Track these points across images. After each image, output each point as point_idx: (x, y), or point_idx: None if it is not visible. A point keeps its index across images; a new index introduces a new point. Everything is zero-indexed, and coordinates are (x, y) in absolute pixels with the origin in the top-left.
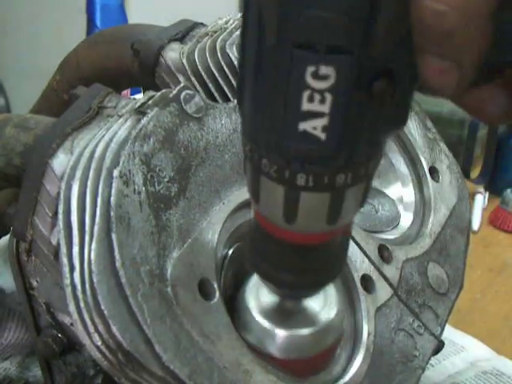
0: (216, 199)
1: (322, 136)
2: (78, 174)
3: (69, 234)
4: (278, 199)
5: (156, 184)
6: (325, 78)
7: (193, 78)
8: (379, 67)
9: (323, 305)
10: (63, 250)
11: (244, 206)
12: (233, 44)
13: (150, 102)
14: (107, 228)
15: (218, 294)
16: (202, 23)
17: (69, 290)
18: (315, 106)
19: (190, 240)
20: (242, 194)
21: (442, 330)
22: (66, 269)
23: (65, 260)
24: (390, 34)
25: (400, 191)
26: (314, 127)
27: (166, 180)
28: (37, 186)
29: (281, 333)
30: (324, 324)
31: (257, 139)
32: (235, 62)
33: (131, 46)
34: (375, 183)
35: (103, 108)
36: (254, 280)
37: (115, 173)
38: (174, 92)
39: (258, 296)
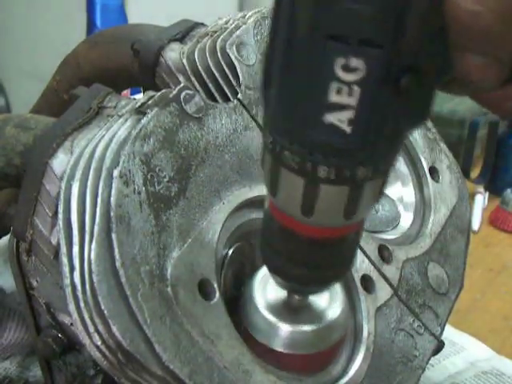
0: (216, 199)
1: (348, 129)
2: (78, 173)
3: (69, 233)
4: (296, 191)
5: (156, 184)
6: (354, 70)
7: (193, 78)
8: (408, 62)
9: (329, 302)
10: (63, 249)
11: (244, 206)
12: (233, 44)
13: (150, 101)
14: (107, 228)
15: (217, 294)
16: (202, 23)
17: (69, 290)
18: (343, 99)
19: (190, 240)
20: (242, 194)
21: (442, 330)
22: (66, 269)
23: (65, 260)
24: (420, 30)
25: (400, 191)
26: (340, 120)
27: (165, 180)
28: (37, 185)
29: (286, 328)
30: (329, 321)
31: (280, 130)
32: (235, 62)
33: (131, 46)
34: None
35: (103, 108)
36: (262, 274)
37: (115, 173)
38: (174, 92)
39: (265, 290)
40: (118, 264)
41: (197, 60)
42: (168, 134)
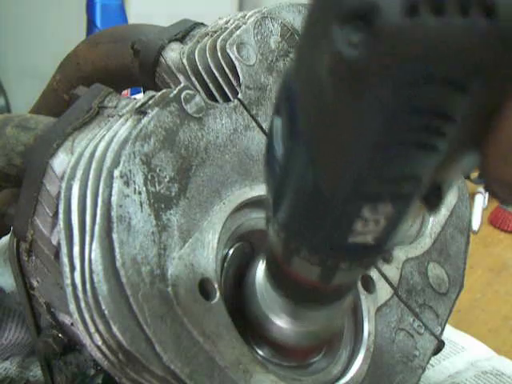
0: (216, 199)
1: (372, 242)
2: (79, 173)
3: (69, 233)
4: (313, 272)
5: (156, 184)
6: (382, 212)
7: (193, 78)
8: (436, 185)
9: None
10: (64, 249)
11: (244, 205)
12: (233, 44)
13: (151, 101)
14: (108, 228)
15: (218, 293)
16: (202, 23)
17: (69, 290)
18: (368, 228)
19: (190, 240)
20: (242, 193)
21: (443, 329)
22: (67, 269)
23: (65, 260)
24: (452, 171)
25: None
26: (365, 239)
27: (166, 180)
28: (37, 185)
29: (286, 323)
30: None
31: (297, 240)
32: (236, 62)
33: (131, 46)
34: None
35: (104, 108)
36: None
37: (116, 173)
38: (175, 92)
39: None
40: (118, 264)
41: (197, 60)
42: (168, 134)
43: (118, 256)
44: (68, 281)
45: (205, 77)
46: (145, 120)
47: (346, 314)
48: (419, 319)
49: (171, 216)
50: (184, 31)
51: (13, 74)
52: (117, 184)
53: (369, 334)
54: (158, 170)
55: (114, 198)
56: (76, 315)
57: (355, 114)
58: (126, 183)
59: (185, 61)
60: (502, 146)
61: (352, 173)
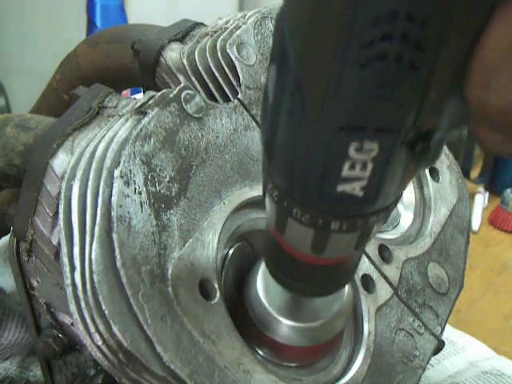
0: (216, 199)
1: (360, 194)
2: (79, 173)
3: (69, 233)
4: (306, 237)
5: (157, 184)
6: (368, 151)
7: (193, 78)
8: (422, 132)
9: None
10: (64, 249)
11: (244, 206)
12: (233, 44)
13: (151, 101)
14: (108, 228)
15: (218, 293)
16: (202, 23)
17: (70, 290)
18: (355, 173)
19: (190, 240)
20: (242, 193)
21: (443, 329)
22: (67, 269)
23: (66, 260)
24: (438, 112)
25: None
26: (353, 188)
27: (166, 180)
28: (37, 185)
29: (286, 321)
30: (328, 317)
31: (289, 192)
32: (235, 62)
33: (131, 46)
34: None
35: (104, 108)
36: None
37: (116, 173)
38: (175, 92)
39: (268, 281)
40: (118, 264)
41: (197, 60)
42: (168, 134)
43: (118, 256)
44: (68, 281)
45: (205, 77)
46: (145, 120)
47: (346, 316)
48: (419, 319)
49: (171, 216)
50: (184, 31)
51: (13, 73)
52: (117, 184)
53: (369, 334)
54: (158, 170)
55: (114, 198)
56: (76, 315)
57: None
58: (127, 183)
59: (185, 61)
60: (483, 66)
61: (336, 92)
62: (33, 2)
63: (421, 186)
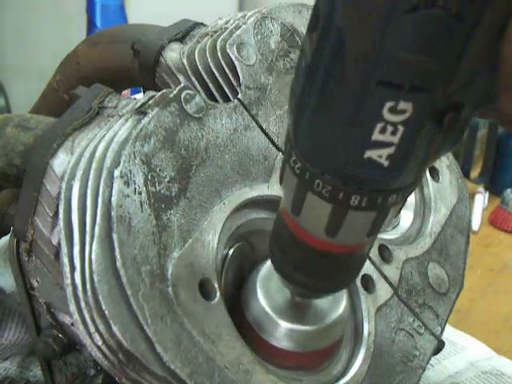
0: (216, 199)
1: (385, 163)
2: (79, 173)
3: (69, 233)
4: (323, 215)
5: (157, 184)
6: (402, 112)
7: (193, 78)
8: (453, 101)
9: (331, 302)
10: (64, 249)
11: (244, 206)
12: (233, 44)
13: (151, 101)
14: (108, 228)
15: (218, 293)
16: (202, 23)
17: (69, 290)
18: (385, 137)
19: (190, 240)
20: (242, 193)
21: (443, 329)
22: (67, 269)
23: (65, 260)
24: (471, 75)
25: None
26: (380, 155)
27: (166, 180)
28: (37, 186)
29: (286, 325)
30: (330, 322)
31: (312, 158)
32: (235, 62)
33: (131, 46)
34: None
35: (104, 108)
36: (266, 268)
37: (116, 173)
38: (175, 92)
39: (269, 284)
40: (118, 264)
41: (197, 60)
42: (168, 134)
43: (118, 256)
44: (68, 281)
45: (205, 77)
46: (145, 120)
47: (344, 324)
48: (419, 319)
49: (171, 216)
50: (184, 31)
51: (13, 74)
52: (117, 184)
53: (369, 334)
54: (158, 170)
55: (114, 198)
56: (76, 315)
57: None
58: (127, 183)
59: (185, 61)
60: None
61: (380, 42)
62: (33, 2)
63: (421, 186)
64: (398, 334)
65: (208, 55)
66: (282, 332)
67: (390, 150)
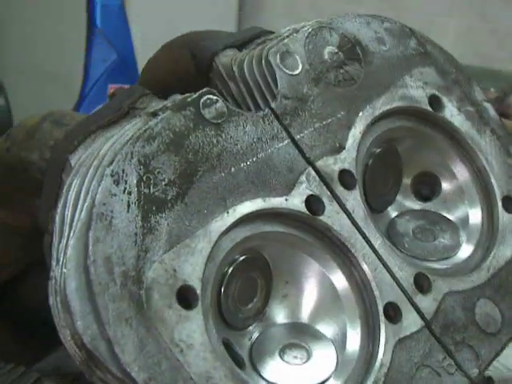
0: (220, 207)
1: None
2: (81, 170)
3: (61, 227)
4: None
5: (151, 186)
6: None
7: (241, 85)
8: None
9: None
10: (55, 243)
11: (256, 217)
12: (277, 52)
13: (169, 104)
14: (89, 224)
15: (199, 303)
16: (270, 31)
17: (52, 283)
18: None
19: (178, 245)
20: (252, 204)
21: (482, 372)
22: (54, 262)
23: (54, 253)
24: None
25: (467, 218)
26: None
27: (163, 183)
28: (57, 180)
29: None
30: None
31: None
32: (276, 70)
33: (190, 50)
34: (441, 208)
35: (134, 109)
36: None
37: (107, 171)
38: (194, 96)
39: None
40: (89, 261)
41: (245, 68)
42: (177, 137)
43: (90, 253)
44: (52, 273)
45: (250, 84)
46: (152, 122)
47: None
48: (452, 357)
49: (161, 219)
50: (248, 38)
51: (13, 74)
52: (105, 182)
53: (381, 366)
54: (156, 172)
55: (98, 196)
56: (53, 309)
57: None
58: (116, 182)
59: (235, 68)
60: None
61: None
62: (33, 2)
63: (490, 216)
64: (421, 370)
65: (254, 63)
66: None
67: None
